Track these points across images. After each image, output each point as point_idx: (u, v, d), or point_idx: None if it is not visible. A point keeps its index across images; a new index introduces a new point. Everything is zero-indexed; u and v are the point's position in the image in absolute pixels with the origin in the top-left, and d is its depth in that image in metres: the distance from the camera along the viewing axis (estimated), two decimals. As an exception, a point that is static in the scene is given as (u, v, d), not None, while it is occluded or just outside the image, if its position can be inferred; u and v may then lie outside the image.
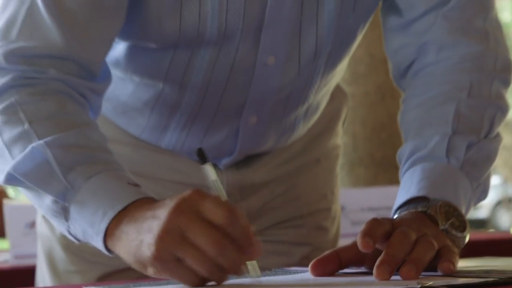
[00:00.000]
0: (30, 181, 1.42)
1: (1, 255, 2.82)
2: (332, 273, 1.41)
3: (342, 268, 1.43)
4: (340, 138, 2.04)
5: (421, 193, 1.55)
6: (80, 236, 1.43)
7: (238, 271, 1.25)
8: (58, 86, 1.50)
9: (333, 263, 1.41)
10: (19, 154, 1.42)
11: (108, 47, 1.59)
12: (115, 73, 1.71)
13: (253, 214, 1.77)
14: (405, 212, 1.56)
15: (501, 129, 1.70)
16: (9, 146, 1.44)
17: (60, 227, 1.47)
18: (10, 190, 3.75)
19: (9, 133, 1.45)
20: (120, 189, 1.39)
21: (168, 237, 1.22)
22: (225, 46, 1.61)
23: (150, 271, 1.29)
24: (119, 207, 1.34)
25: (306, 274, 1.49)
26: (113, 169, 1.44)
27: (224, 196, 1.35)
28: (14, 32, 1.50)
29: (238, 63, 1.63)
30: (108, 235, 1.34)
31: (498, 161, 1.86)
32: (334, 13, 1.64)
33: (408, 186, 1.60)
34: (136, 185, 1.41)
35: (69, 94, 1.51)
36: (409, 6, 1.71)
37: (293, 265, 1.72)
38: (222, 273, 1.24)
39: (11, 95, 1.46)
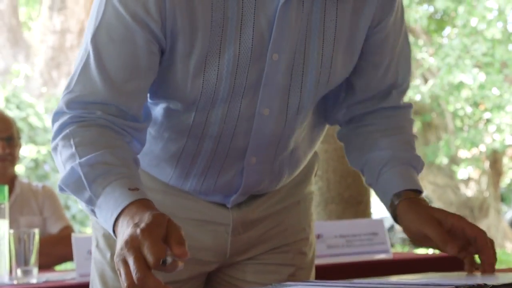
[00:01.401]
0: (71, 191, 1.51)
1: (70, 274, 2.80)
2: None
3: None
4: (313, 186, 2.03)
5: (415, 187, 1.68)
6: (105, 227, 1.48)
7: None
8: (102, 122, 1.56)
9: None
10: (65, 165, 1.52)
11: (143, 96, 1.63)
12: (150, 131, 1.73)
13: (253, 243, 1.78)
14: (407, 195, 1.65)
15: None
16: (64, 164, 1.52)
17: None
18: (76, 227, 3.71)
19: (65, 154, 1.52)
20: (122, 194, 1.42)
21: (121, 251, 1.31)
22: (233, 101, 1.62)
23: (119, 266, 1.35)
24: (119, 210, 1.40)
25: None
26: (122, 177, 1.47)
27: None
28: (73, 83, 1.57)
29: (242, 114, 1.64)
30: (114, 228, 1.41)
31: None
32: (314, 83, 1.66)
33: (403, 180, 1.69)
34: (135, 189, 1.44)
35: (110, 127, 1.56)
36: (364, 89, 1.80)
37: (282, 281, 1.71)
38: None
39: (67, 128, 1.54)
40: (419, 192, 1.65)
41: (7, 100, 8.12)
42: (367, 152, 1.78)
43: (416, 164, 1.72)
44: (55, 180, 7.84)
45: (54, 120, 1.61)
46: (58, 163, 1.56)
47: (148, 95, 1.67)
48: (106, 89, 1.56)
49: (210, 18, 1.57)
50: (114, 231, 1.42)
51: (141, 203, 1.41)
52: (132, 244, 1.29)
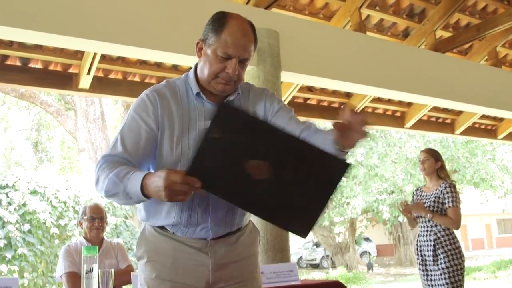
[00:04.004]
0: (111, 190, 1.45)
1: (130, 292, 2.68)
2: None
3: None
4: (258, 248, 1.79)
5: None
6: (135, 194, 1.41)
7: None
8: (120, 159, 1.52)
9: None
10: (105, 181, 1.46)
11: (141, 159, 1.57)
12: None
13: (225, 278, 1.62)
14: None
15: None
16: (104, 181, 1.46)
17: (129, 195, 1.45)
18: (134, 266, 3.55)
19: (103, 177, 1.46)
20: (140, 174, 1.39)
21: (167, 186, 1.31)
22: None
23: (163, 195, 1.33)
24: (141, 178, 1.38)
25: None
26: (135, 171, 1.44)
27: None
28: (108, 150, 1.55)
29: None
30: (142, 188, 1.38)
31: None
32: None
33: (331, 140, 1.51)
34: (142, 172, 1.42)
35: (124, 163, 1.51)
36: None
37: None
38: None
39: (102, 165, 1.49)
40: None
41: (102, 193, 8.00)
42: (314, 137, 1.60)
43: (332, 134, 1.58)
44: (126, 235, 7.65)
45: (96, 166, 1.56)
46: (100, 185, 1.50)
47: (159, 165, 1.60)
48: (123, 152, 1.53)
49: (181, 116, 1.58)
50: (141, 189, 1.39)
51: (150, 174, 1.39)
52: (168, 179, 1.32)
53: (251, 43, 1.58)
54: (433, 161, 3.91)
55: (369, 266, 18.31)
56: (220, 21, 1.57)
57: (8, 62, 4.11)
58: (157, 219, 1.61)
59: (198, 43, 1.62)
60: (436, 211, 3.75)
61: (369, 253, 21.11)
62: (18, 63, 4.14)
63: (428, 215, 3.72)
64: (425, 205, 3.81)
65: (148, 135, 1.56)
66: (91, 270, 2.25)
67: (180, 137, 1.55)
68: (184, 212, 1.57)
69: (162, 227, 1.62)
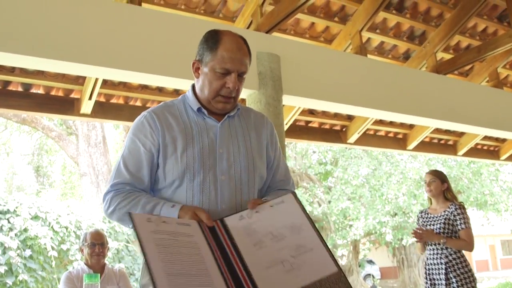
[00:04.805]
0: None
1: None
2: None
3: None
4: None
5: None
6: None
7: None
8: (132, 190, 1.59)
9: None
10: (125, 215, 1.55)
11: (145, 180, 1.62)
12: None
13: None
14: None
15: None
16: (123, 215, 1.56)
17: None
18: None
19: (122, 210, 1.55)
20: (172, 209, 1.50)
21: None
22: (204, 173, 1.59)
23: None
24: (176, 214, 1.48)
25: None
26: (164, 203, 1.52)
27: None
28: (113, 177, 1.61)
29: (211, 179, 1.60)
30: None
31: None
32: (245, 164, 1.65)
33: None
34: (173, 206, 1.50)
35: (135, 191, 1.58)
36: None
37: None
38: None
39: (115, 198, 1.57)
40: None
41: (104, 218, 7.95)
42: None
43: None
44: (128, 260, 7.57)
45: (105, 196, 1.60)
46: (116, 215, 1.56)
47: (164, 182, 1.62)
48: (129, 178, 1.59)
49: (183, 130, 1.62)
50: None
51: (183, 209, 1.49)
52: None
53: (246, 57, 1.64)
54: (439, 183, 3.86)
55: (373, 290, 18.11)
56: (213, 38, 1.62)
57: (10, 87, 4.12)
58: None
59: (194, 63, 1.68)
60: (447, 233, 3.68)
61: (373, 276, 20.88)
62: (20, 89, 4.15)
63: (441, 241, 3.65)
64: (434, 227, 3.73)
65: (147, 157, 1.61)
66: (91, 299, 2.20)
67: (184, 151, 1.59)
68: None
69: None
